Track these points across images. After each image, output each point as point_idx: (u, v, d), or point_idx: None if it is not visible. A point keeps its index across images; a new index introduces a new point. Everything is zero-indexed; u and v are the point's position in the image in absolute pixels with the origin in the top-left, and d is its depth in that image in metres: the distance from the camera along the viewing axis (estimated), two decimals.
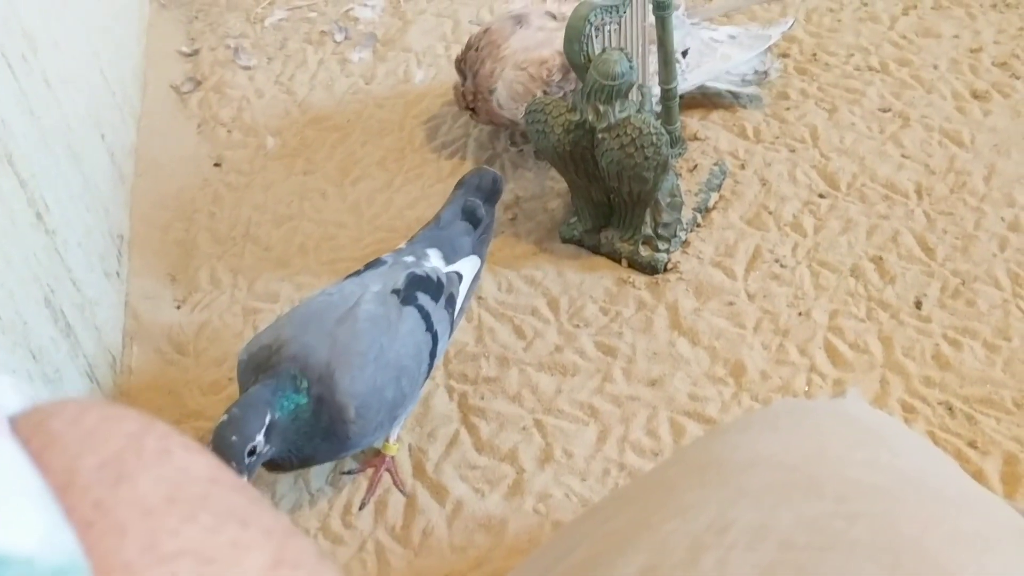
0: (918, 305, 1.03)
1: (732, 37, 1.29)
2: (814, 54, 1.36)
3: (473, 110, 1.21)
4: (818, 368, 0.99)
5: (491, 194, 1.07)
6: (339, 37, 1.53)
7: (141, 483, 0.24)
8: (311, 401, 0.81)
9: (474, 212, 1.03)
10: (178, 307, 1.14)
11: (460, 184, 1.07)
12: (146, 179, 1.31)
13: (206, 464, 0.26)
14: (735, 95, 1.31)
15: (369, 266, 0.96)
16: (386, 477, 0.93)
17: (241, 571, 0.22)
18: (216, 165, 1.34)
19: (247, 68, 1.50)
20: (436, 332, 0.92)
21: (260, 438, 0.78)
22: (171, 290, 1.16)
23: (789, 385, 0.97)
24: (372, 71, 1.45)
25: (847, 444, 0.60)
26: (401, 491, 0.92)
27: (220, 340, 1.10)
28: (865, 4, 1.44)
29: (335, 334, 0.85)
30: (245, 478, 0.78)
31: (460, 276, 0.98)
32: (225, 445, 0.77)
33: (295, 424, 0.81)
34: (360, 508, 0.92)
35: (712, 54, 1.26)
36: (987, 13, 1.40)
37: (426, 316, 0.91)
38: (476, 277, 1.02)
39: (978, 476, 0.88)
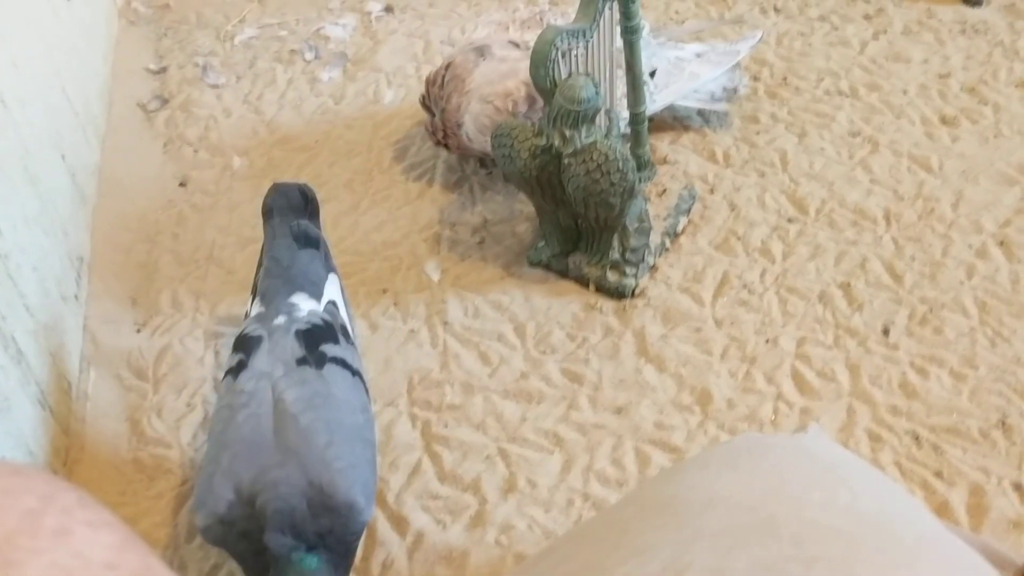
0: (886, 332, 1.03)
1: (699, 55, 1.29)
2: (784, 78, 1.36)
3: (445, 144, 1.20)
4: (785, 396, 0.98)
5: (308, 207, 0.99)
6: (309, 56, 1.52)
7: (29, 573, 0.23)
8: (318, 539, 0.76)
9: (307, 235, 0.97)
10: (138, 331, 1.12)
11: (269, 212, 0.98)
12: (109, 200, 1.29)
13: (107, 545, 0.25)
14: (705, 116, 1.30)
15: (245, 351, 0.86)
16: None
17: None
18: (181, 185, 1.32)
19: (215, 86, 1.48)
20: (357, 370, 0.89)
21: None
22: (131, 313, 1.14)
23: (755, 414, 0.96)
24: (342, 91, 1.44)
25: (806, 484, 0.59)
26: None
27: (181, 365, 1.08)
28: (835, 28, 1.45)
29: (289, 446, 0.78)
30: None
31: (334, 302, 0.94)
32: None
33: (333, 566, 0.78)
34: None
35: (680, 73, 1.26)
36: (956, 39, 1.40)
37: (342, 362, 0.87)
38: (343, 290, 0.98)
39: (944, 507, 0.88)
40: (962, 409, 0.95)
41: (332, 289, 0.96)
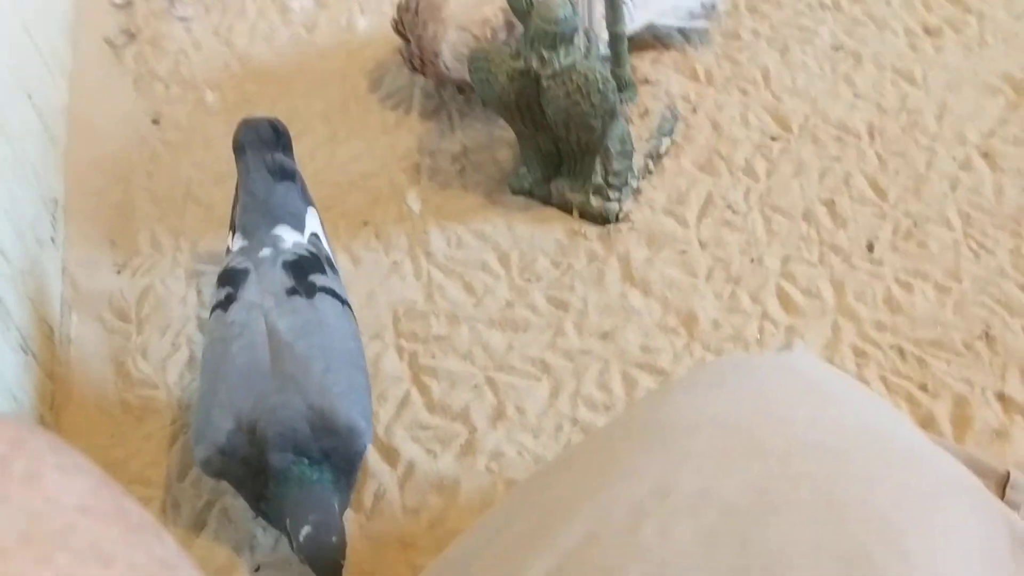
0: (870, 248, 1.03)
1: None
2: None
3: (422, 72, 1.18)
4: (770, 315, 0.98)
5: (280, 140, 0.97)
6: None
7: None
8: (322, 456, 0.77)
9: (283, 167, 0.95)
10: (118, 272, 1.11)
11: (240, 148, 0.96)
12: (80, 139, 1.26)
13: (78, 489, 0.24)
14: (685, 34, 1.28)
15: (233, 284, 0.86)
16: None
17: None
18: (154, 122, 1.29)
19: (184, 19, 1.44)
20: (345, 299, 0.89)
21: (344, 523, 0.77)
22: (110, 255, 1.13)
23: (741, 334, 0.97)
24: (314, 20, 1.40)
25: (792, 401, 0.59)
26: None
27: (164, 305, 1.07)
28: None
29: (287, 373, 0.79)
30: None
31: (317, 235, 0.93)
32: (330, 550, 0.74)
33: (339, 489, 0.78)
34: None
35: None
36: None
37: (331, 292, 0.87)
38: (322, 224, 0.96)
39: (929, 419, 0.89)
40: (946, 322, 0.95)
41: (313, 222, 0.95)
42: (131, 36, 1.42)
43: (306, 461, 0.76)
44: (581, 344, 0.98)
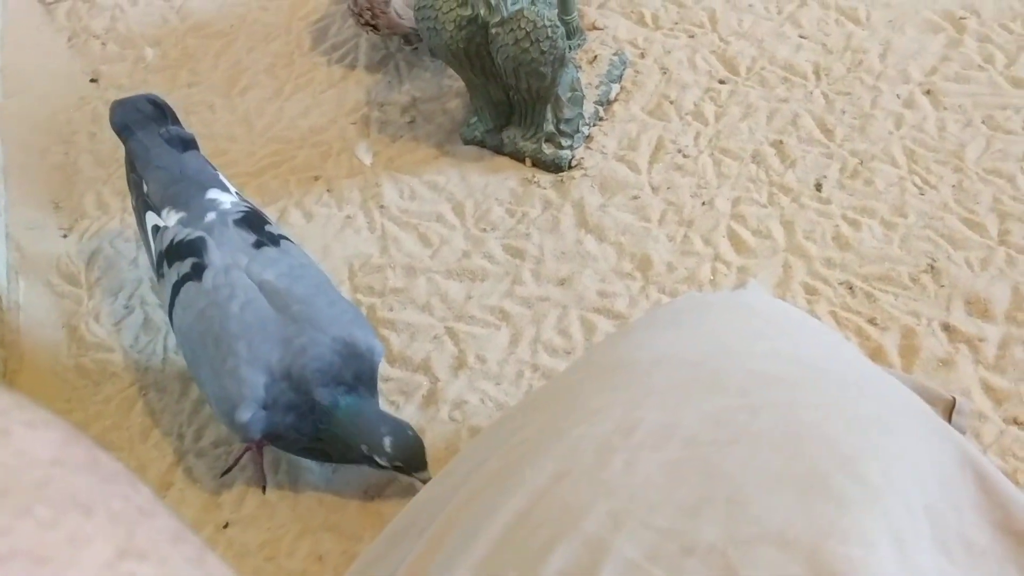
0: (818, 187, 1.04)
1: None
2: None
3: (374, 26, 1.16)
4: (722, 256, 1.00)
5: (164, 112, 0.96)
6: None
7: None
8: (355, 380, 0.81)
9: (182, 138, 0.95)
10: (65, 236, 1.09)
11: (126, 129, 0.95)
12: (16, 101, 1.23)
13: (50, 442, 0.24)
14: None
15: (194, 253, 0.85)
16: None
17: (77, 569, 0.20)
18: (93, 81, 1.26)
19: None
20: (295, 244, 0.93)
21: None
22: (55, 218, 1.10)
23: (695, 275, 0.98)
24: None
25: (748, 337, 0.61)
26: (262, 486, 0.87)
27: (114, 268, 1.05)
28: None
29: (299, 316, 0.82)
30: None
31: (239, 194, 0.94)
32: (415, 441, 0.81)
33: (368, 400, 0.83)
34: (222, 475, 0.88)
35: None
36: None
37: (287, 238, 0.91)
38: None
39: (878, 352, 0.91)
40: (893, 257, 0.98)
41: (230, 184, 0.95)
42: None
43: (343, 389, 0.80)
44: (539, 291, 0.99)
